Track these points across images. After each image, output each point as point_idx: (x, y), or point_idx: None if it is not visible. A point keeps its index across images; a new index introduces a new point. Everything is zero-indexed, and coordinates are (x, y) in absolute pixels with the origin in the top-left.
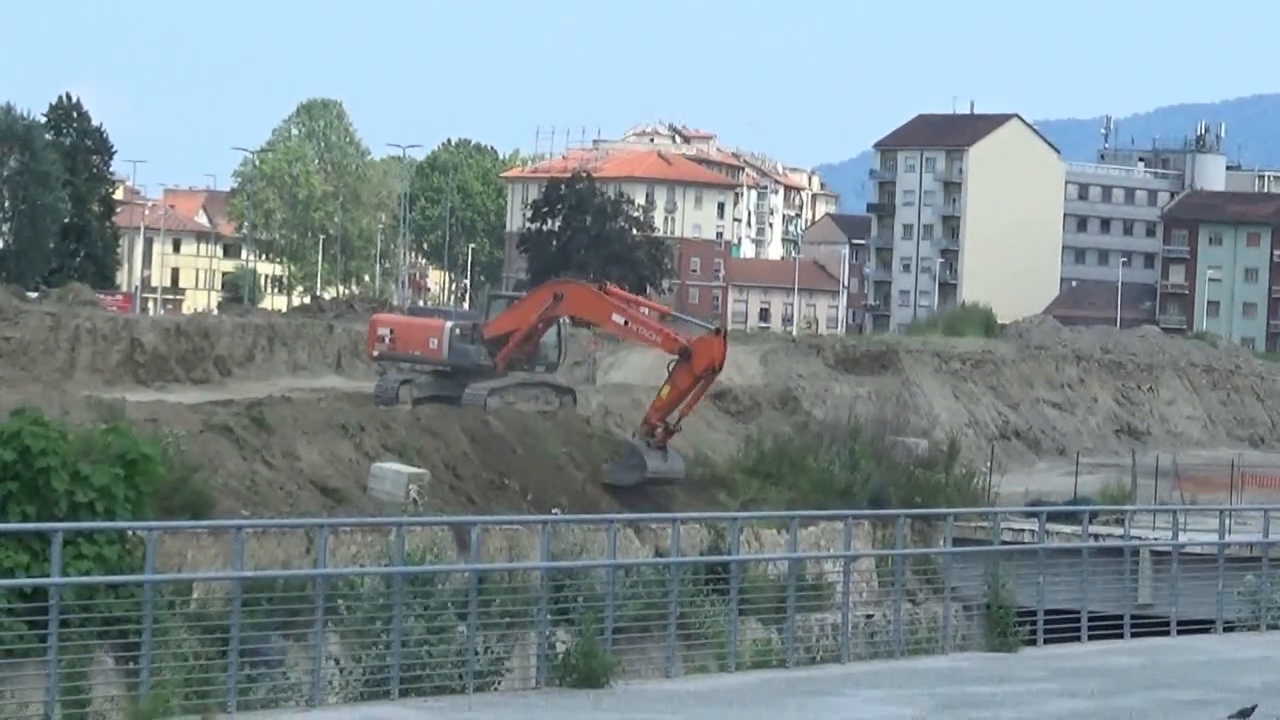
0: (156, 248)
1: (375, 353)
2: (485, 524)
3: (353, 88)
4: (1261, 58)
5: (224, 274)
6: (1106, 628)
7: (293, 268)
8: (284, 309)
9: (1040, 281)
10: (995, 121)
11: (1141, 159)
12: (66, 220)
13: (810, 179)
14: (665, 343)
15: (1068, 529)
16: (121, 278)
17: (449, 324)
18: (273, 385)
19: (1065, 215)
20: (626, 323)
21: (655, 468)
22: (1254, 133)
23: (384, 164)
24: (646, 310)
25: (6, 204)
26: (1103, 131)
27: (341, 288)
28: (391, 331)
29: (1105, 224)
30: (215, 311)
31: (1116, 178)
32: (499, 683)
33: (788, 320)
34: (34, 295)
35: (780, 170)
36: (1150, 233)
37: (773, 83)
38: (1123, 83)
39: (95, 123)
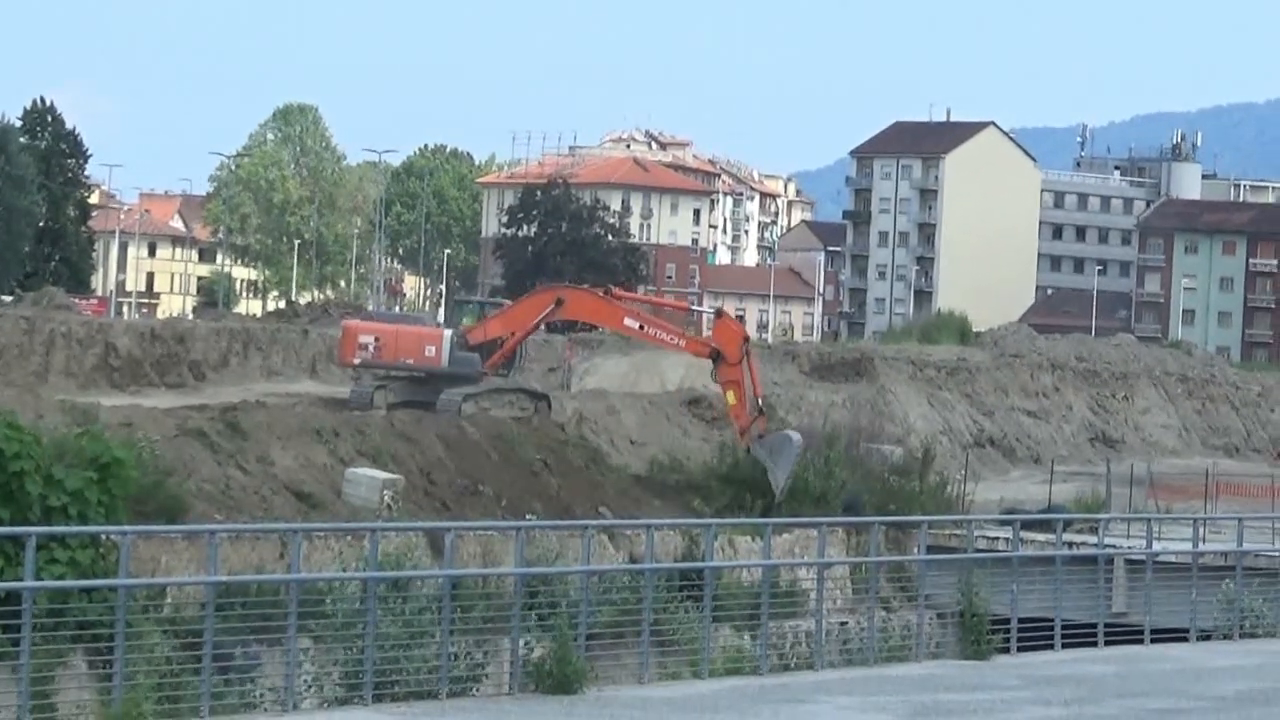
0: (132, 252)
1: (357, 361)
2: (459, 530)
3: (329, 93)
4: (1237, 67)
5: (199, 278)
6: (1080, 636)
7: (268, 272)
8: (259, 314)
9: (1016, 289)
10: (971, 129)
11: (1117, 167)
12: (41, 224)
13: (786, 186)
14: (690, 346)
15: (1042, 537)
16: (96, 282)
17: (449, 331)
18: (247, 390)
19: (1041, 223)
20: (642, 326)
21: (796, 441)
22: (1229, 142)
23: (360, 169)
24: (650, 308)
25: None
26: (1079, 140)
27: (317, 293)
28: (377, 339)
29: (1081, 232)
30: (190, 316)
31: (1092, 186)
32: (473, 688)
33: (763, 327)
34: (8, 299)
35: (756, 177)
36: (1126, 241)
37: (749, 89)
38: (1099, 91)
39: (70, 126)
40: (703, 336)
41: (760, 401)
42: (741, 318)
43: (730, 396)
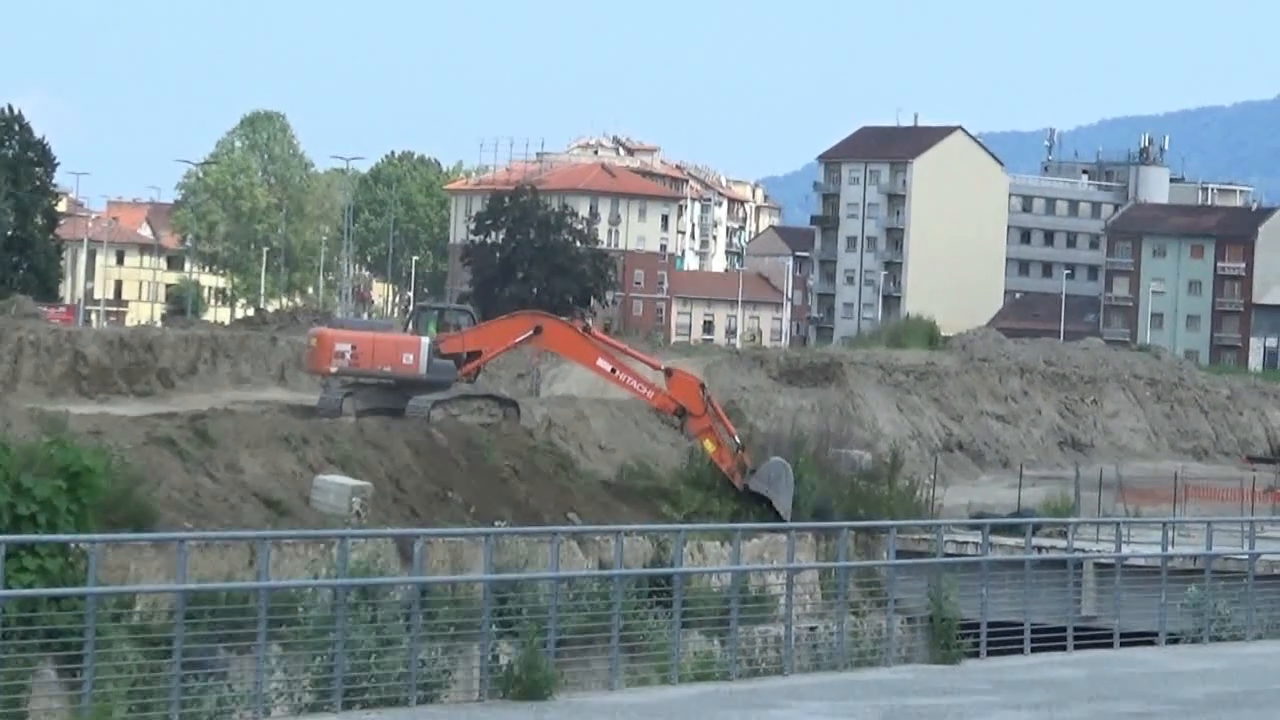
0: (100, 260)
1: (333, 369)
2: (428, 536)
3: (296, 100)
4: (1205, 70)
5: (167, 286)
6: (1049, 640)
7: (236, 280)
8: (227, 321)
9: (984, 294)
10: (939, 134)
11: (1085, 171)
12: (9, 233)
13: (754, 191)
14: (658, 400)
15: (1011, 541)
16: (65, 290)
17: (426, 339)
18: (216, 398)
19: (1009, 227)
20: (614, 370)
21: (787, 465)
22: (1197, 145)
23: (327, 176)
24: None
25: None
26: (1046, 144)
27: (285, 300)
28: (354, 347)
29: (1049, 236)
30: (158, 324)
31: (1060, 190)
32: (442, 695)
33: (731, 332)
34: None
35: (724, 182)
36: (1094, 245)
37: (717, 95)
38: (1066, 95)
39: (38, 135)
40: (668, 392)
41: (736, 438)
42: (710, 323)
43: (709, 444)
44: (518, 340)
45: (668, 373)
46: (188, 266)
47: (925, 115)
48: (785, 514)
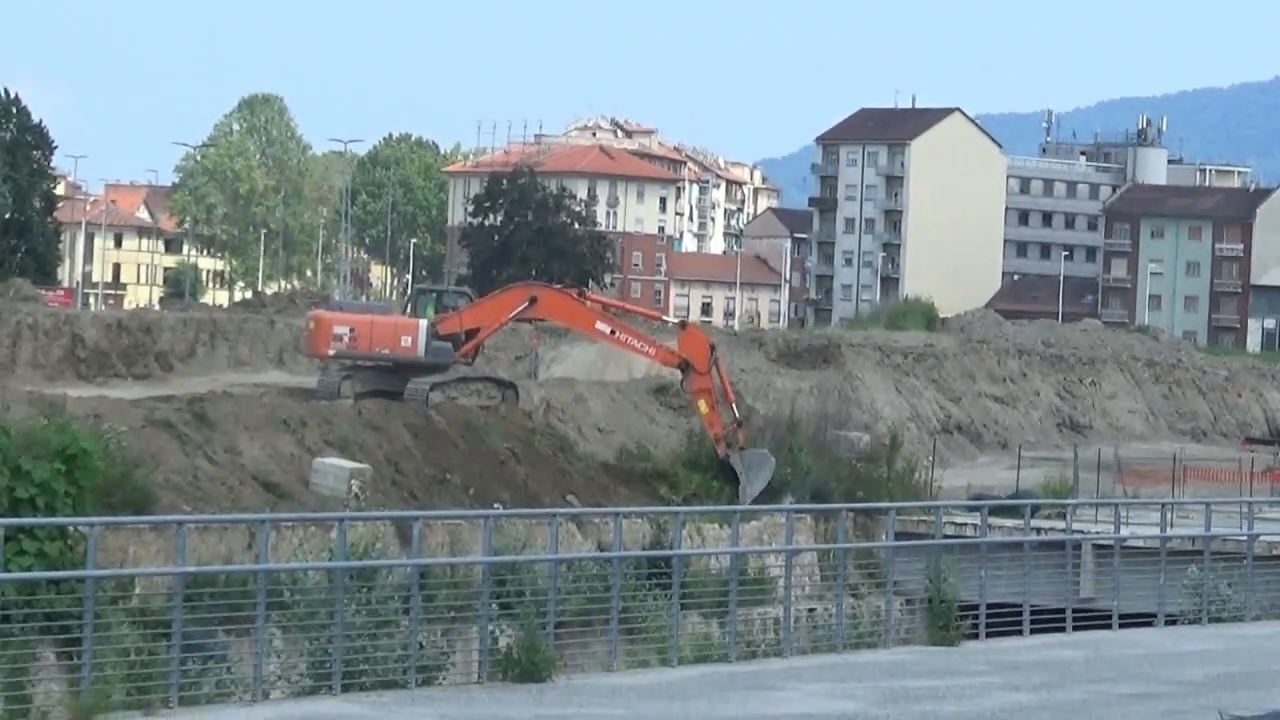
0: (98, 243)
1: (331, 352)
2: (427, 519)
3: (294, 82)
4: (1203, 52)
5: (165, 269)
6: (1048, 621)
7: (234, 263)
8: (225, 304)
9: (982, 275)
10: (937, 115)
11: (1083, 153)
12: (7, 216)
13: (752, 173)
14: (659, 355)
15: (1010, 523)
16: (63, 273)
17: (424, 321)
18: (214, 380)
19: (1007, 209)
20: (614, 332)
21: (773, 463)
22: (1195, 126)
23: (325, 159)
24: (623, 313)
25: None
26: (1044, 125)
27: (283, 283)
28: (352, 330)
29: (1047, 218)
30: (157, 307)
31: (1058, 171)
32: (441, 677)
33: (729, 314)
34: None
35: (722, 164)
36: (1092, 226)
37: (714, 77)
38: (1064, 76)
39: (36, 118)
40: (671, 346)
41: (736, 410)
42: (708, 305)
43: (702, 405)
44: (514, 313)
45: (681, 325)
46: (186, 249)
47: (923, 97)
48: (746, 500)
